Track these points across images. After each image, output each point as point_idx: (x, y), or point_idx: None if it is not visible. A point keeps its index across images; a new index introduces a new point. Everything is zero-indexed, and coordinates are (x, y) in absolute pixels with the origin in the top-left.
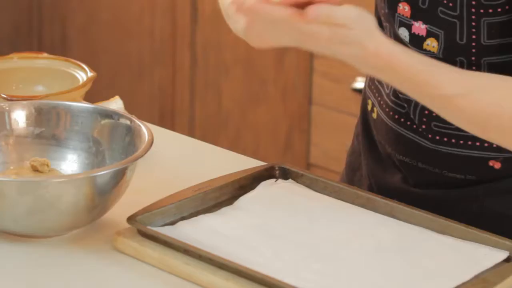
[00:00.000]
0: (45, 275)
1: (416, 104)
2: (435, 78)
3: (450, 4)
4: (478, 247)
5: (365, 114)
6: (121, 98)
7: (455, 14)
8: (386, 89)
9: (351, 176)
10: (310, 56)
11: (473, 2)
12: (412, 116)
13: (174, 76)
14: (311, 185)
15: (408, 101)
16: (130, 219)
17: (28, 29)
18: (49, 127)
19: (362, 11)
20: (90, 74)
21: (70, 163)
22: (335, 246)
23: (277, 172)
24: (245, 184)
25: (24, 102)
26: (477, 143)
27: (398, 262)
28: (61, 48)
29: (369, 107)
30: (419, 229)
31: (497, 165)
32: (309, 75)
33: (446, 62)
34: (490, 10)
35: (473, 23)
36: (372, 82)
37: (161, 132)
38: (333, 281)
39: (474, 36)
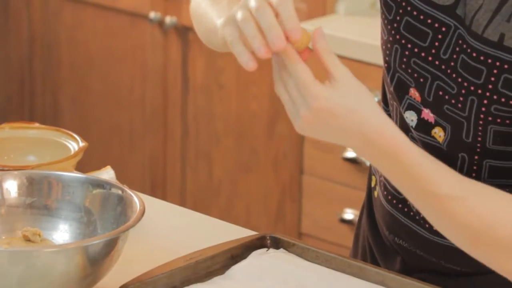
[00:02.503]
0: None
1: None
2: (434, 175)
3: (459, 105)
4: None
5: (369, 189)
6: (113, 168)
7: (463, 115)
8: None
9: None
10: None
11: (483, 109)
12: (409, 203)
13: (166, 146)
14: (303, 254)
15: None
16: None
17: (19, 99)
18: (40, 197)
19: (359, 94)
20: (81, 144)
21: (62, 233)
22: None
23: (269, 241)
24: (236, 253)
25: (16, 172)
26: None
27: None
28: (52, 117)
29: (373, 183)
30: None
31: None
32: (300, 145)
33: (448, 156)
34: (498, 120)
35: (480, 128)
36: None
37: (153, 201)
38: None
39: (479, 139)
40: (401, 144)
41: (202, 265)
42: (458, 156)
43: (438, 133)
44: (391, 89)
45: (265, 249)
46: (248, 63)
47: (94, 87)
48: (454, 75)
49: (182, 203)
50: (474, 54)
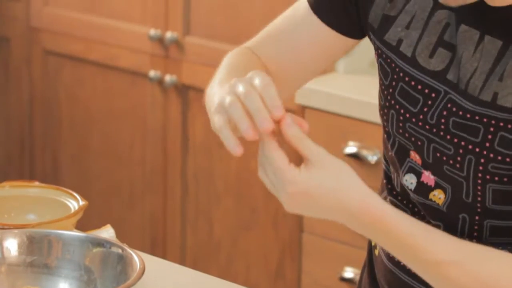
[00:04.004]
0: None
1: None
2: (428, 243)
3: (457, 165)
4: None
5: (370, 247)
6: (113, 226)
7: (462, 174)
8: None
9: None
10: None
11: (480, 167)
12: None
13: (165, 204)
14: None
15: None
16: None
17: (19, 157)
18: (41, 255)
19: (337, 173)
20: (81, 202)
21: None
22: None
23: None
24: None
25: (16, 231)
26: None
27: None
28: (52, 176)
29: (373, 242)
30: None
31: None
32: None
33: (449, 217)
34: (496, 178)
35: (479, 187)
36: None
37: (153, 260)
38: None
39: (479, 198)
40: (389, 217)
41: None
42: (459, 217)
43: (438, 196)
44: (392, 154)
45: None
46: (235, 149)
47: (94, 145)
48: (448, 137)
49: (182, 262)
50: (468, 115)
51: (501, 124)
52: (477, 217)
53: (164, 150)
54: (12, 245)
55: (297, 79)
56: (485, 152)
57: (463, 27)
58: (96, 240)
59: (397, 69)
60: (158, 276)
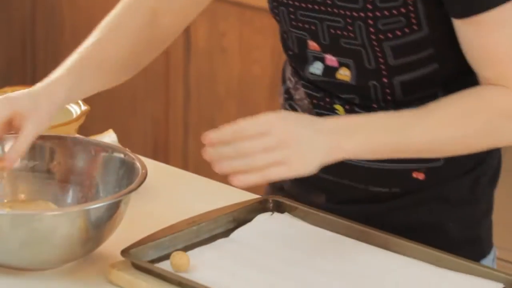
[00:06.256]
0: None
1: None
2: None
3: (351, 34)
4: (472, 279)
5: None
6: (115, 131)
7: (357, 43)
8: (299, 109)
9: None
10: None
11: (371, 29)
12: None
13: (168, 109)
14: (306, 217)
15: None
16: (124, 252)
17: (21, 63)
18: (43, 160)
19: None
20: (83, 107)
21: (64, 196)
22: (329, 279)
23: (271, 205)
24: (239, 217)
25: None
26: None
27: None
28: None
29: None
30: (414, 261)
31: (421, 176)
32: None
33: (358, 89)
34: (390, 35)
35: (377, 48)
36: (289, 101)
37: (155, 165)
38: None
39: (381, 60)
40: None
41: (204, 228)
42: (369, 85)
43: (344, 73)
44: (294, 50)
45: (269, 213)
46: None
47: None
48: (335, 10)
49: (185, 167)
50: None
51: None
52: (385, 80)
53: (166, 56)
54: None
55: (187, 11)
56: (370, 14)
57: None
58: (98, 145)
59: None
60: (160, 181)
